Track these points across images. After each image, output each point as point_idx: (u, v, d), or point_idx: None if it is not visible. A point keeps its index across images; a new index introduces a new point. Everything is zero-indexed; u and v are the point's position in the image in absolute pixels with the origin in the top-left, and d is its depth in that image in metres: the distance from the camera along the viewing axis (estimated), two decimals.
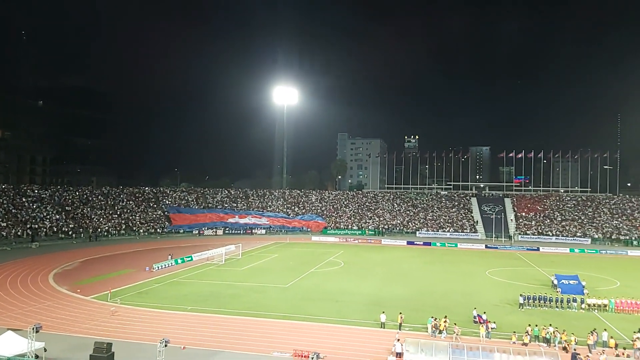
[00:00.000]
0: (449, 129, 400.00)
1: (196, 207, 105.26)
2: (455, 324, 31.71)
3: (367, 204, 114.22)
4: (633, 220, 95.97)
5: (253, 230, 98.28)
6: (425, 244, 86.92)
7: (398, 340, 28.01)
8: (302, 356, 26.96)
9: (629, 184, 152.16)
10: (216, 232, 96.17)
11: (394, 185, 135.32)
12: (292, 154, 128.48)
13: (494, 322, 32.90)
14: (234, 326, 33.35)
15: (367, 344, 30.10)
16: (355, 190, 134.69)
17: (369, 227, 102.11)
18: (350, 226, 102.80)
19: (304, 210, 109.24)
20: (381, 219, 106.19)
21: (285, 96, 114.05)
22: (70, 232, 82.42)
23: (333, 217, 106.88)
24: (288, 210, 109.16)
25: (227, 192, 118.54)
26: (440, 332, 31.67)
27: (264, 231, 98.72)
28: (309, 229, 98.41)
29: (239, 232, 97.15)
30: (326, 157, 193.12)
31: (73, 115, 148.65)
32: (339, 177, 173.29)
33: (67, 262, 59.23)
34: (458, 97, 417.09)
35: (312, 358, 24.41)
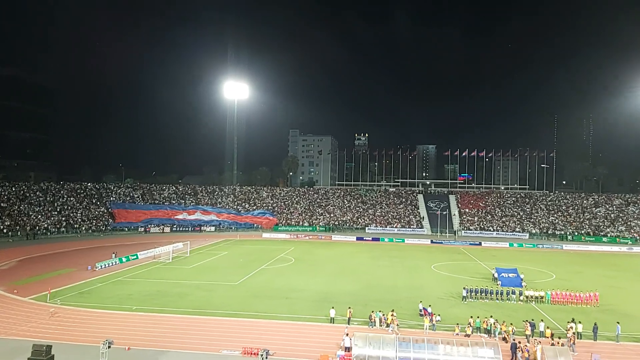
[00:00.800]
0: (398, 128, 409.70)
1: (142, 204, 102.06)
2: (392, 315, 32.69)
3: (318, 200, 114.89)
4: (567, 216, 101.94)
5: (202, 228, 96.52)
6: (374, 239, 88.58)
7: (347, 334, 28.49)
8: (251, 353, 26.88)
9: (564, 182, 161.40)
10: (163, 229, 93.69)
11: (344, 182, 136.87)
12: (243, 150, 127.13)
13: (439, 315, 34.11)
14: (181, 325, 32.72)
15: (316, 339, 30.40)
16: (306, 186, 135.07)
17: (320, 223, 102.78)
18: (301, 223, 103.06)
19: (254, 207, 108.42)
20: (332, 215, 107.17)
21: (236, 91, 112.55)
22: (6, 230, 77.84)
23: (284, 214, 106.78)
24: (239, 207, 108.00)
25: (174, 188, 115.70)
26: (388, 325, 32.46)
27: (213, 228, 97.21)
28: (259, 226, 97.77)
29: (187, 229, 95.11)
30: (277, 153, 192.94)
31: (7, 108, 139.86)
32: (291, 173, 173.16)
33: (3, 262, 56.02)
34: (407, 97, 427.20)
35: (262, 355, 24.37)
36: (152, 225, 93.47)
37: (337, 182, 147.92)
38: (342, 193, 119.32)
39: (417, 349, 25.82)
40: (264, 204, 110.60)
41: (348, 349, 27.29)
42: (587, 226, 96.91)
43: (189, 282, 46.70)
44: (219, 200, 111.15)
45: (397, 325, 32.03)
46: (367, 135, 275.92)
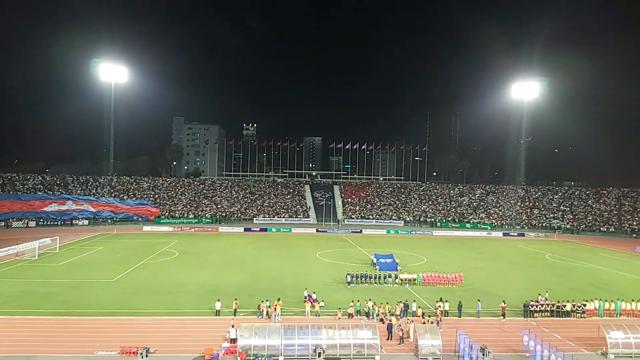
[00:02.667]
0: (286, 120, 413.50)
1: (1, 193, 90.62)
2: (270, 305, 33.33)
3: (205, 191, 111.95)
4: (437, 205, 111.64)
5: (74, 221, 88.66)
6: (261, 230, 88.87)
7: (232, 326, 28.43)
8: (130, 352, 25.60)
9: (434, 174, 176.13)
10: (27, 223, 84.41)
11: (232, 173, 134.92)
12: (121, 137, 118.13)
13: (323, 301, 35.52)
14: (51, 327, 30.02)
15: (201, 333, 29.87)
16: (191, 177, 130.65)
17: (206, 215, 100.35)
18: (186, 214, 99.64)
19: (134, 199, 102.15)
20: (219, 206, 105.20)
21: (113, 73, 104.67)
22: None
23: (167, 206, 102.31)
24: (117, 199, 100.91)
25: (41, 178, 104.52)
26: (270, 315, 32.95)
27: (86, 222, 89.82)
28: (140, 218, 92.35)
29: (56, 223, 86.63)
30: (160, 141, 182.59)
31: None
32: (174, 163, 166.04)
33: None
34: (295, 89, 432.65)
35: (142, 353, 23.40)
36: (14, 219, 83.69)
37: (224, 173, 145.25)
38: (230, 184, 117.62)
39: (302, 335, 26.68)
40: (145, 195, 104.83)
41: (233, 341, 27.28)
42: (453, 214, 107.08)
43: (58, 281, 42.82)
44: (94, 191, 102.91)
45: (276, 314, 32.54)
46: (255, 125, 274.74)
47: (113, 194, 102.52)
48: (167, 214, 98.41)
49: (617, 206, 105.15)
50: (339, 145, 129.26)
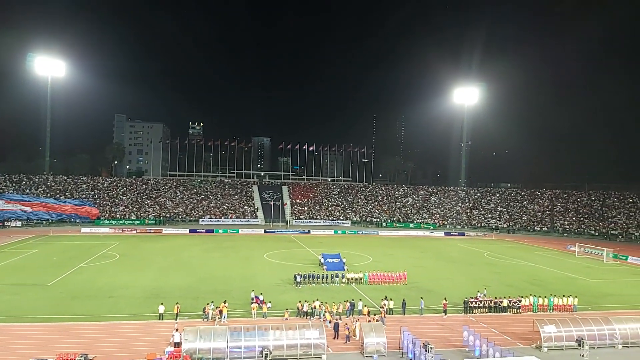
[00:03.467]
0: (234, 119, 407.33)
1: None
2: (216, 308, 32.86)
3: (148, 191, 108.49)
4: (382, 205, 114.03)
5: (5, 223, 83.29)
6: (208, 231, 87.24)
7: (177, 330, 27.80)
8: None
9: (380, 175, 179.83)
10: None
11: (177, 172, 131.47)
12: (58, 135, 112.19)
13: (270, 302, 35.42)
14: None
15: (143, 338, 28.99)
16: (134, 177, 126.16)
17: (149, 216, 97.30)
18: (127, 216, 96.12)
19: (72, 199, 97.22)
20: (163, 207, 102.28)
21: (50, 67, 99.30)
22: None
23: (108, 206, 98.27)
24: (53, 199, 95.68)
25: None
26: (220, 317, 32.52)
27: (19, 223, 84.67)
28: (79, 219, 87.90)
29: None
30: (100, 139, 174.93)
31: None
32: (115, 162, 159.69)
33: None
34: (243, 89, 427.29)
35: None
36: None
37: (169, 173, 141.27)
38: (175, 184, 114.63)
39: (249, 337, 26.50)
40: (84, 196, 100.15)
41: (177, 345, 26.67)
42: (398, 214, 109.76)
43: None
44: (27, 191, 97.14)
45: (220, 317, 32.14)
46: (202, 124, 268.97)
47: (49, 194, 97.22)
48: (107, 215, 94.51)
49: (549, 207, 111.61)
50: (288, 146, 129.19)
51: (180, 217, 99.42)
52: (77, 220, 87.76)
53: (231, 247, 68.34)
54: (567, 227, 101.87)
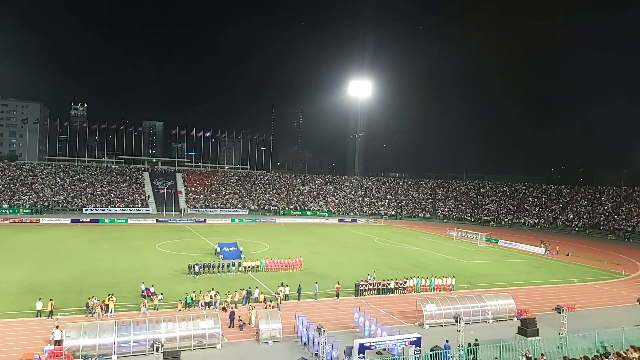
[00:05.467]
0: (123, 101, 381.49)
1: None
2: (101, 302, 31.20)
3: (22, 177, 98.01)
4: (281, 194, 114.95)
5: None
6: (92, 221, 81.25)
7: (57, 327, 25.81)
8: None
9: (278, 163, 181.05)
10: None
11: (56, 157, 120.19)
12: None
13: (162, 294, 34.21)
14: None
15: (19, 337, 26.50)
16: (6, 161, 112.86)
17: (24, 204, 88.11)
18: None
19: None
20: (40, 195, 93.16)
21: None
22: None
23: None
24: None
25: None
26: (106, 311, 30.76)
27: None
28: None
29: None
30: None
31: None
32: None
33: None
34: (132, 67, 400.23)
35: None
36: None
37: (47, 157, 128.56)
38: (54, 169, 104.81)
39: (138, 331, 25.41)
40: None
41: (58, 342, 24.78)
42: (295, 202, 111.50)
43: None
44: None
45: (106, 311, 30.53)
46: (85, 105, 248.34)
47: None
48: None
49: (432, 195, 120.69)
50: (183, 132, 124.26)
51: (60, 205, 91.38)
52: None
53: (119, 238, 64.51)
54: (447, 213, 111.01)
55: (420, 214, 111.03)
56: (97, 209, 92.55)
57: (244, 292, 34.88)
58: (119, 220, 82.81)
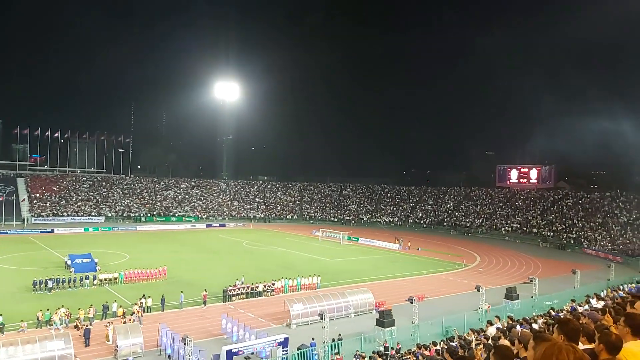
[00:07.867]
0: None
1: None
2: None
3: None
4: (142, 199, 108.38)
5: None
6: None
7: None
8: None
9: (139, 166, 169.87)
10: None
11: None
12: None
13: (1, 315, 30.18)
14: None
15: None
16: None
17: None
18: None
19: None
20: None
21: None
22: None
23: None
24: None
25: None
26: None
27: None
28: None
29: None
30: None
31: None
32: None
33: None
34: None
35: None
36: None
37: None
38: None
39: None
40: None
41: None
42: (159, 207, 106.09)
43: None
44: None
45: None
46: None
47: None
48: None
49: (299, 197, 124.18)
50: (25, 131, 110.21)
51: None
52: None
53: None
54: (313, 214, 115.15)
55: (288, 216, 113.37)
56: None
57: (90, 309, 31.74)
58: None
